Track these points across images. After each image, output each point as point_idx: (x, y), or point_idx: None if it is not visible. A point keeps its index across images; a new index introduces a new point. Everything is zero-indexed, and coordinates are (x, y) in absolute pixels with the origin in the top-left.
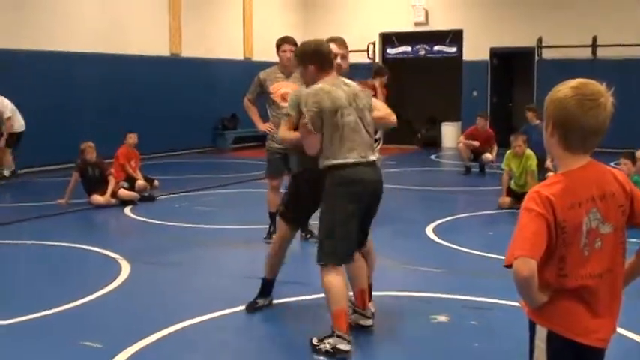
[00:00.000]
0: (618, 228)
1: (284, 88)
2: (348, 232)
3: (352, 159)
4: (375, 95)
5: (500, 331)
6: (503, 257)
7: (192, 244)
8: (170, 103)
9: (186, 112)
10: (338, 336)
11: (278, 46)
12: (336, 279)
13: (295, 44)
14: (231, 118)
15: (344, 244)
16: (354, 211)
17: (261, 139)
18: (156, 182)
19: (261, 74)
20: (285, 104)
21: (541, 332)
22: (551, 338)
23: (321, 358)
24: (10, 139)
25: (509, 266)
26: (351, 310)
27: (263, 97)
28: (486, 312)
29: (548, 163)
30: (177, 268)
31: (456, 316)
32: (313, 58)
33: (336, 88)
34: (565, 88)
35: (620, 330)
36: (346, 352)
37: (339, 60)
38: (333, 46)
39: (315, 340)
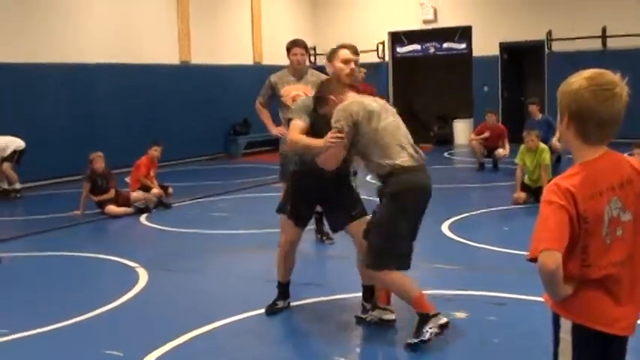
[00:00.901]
0: (637, 215)
1: (295, 91)
2: (407, 240)
3: (408, 162)
4: None
5: (519, 326)
6: (520, 252)
7: (208, 250)
8: (182, 110)
9: (198, 118)
10: (433, 316)
11: (288, 49)
12: (397, 275)
13: (306, 47)
14: (243, 123)
15: (403, 253)
16: (414, 218)
17: (273, 143)
18: (170, 189)
19: (272, 77)
20: None
21: (566, 325)
22: (577, 330)
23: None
24: (11, 155)
25: (533, 260)
26: (371, 307)
27: (275, 101)
28: (505, 307)
29: (555, 142)
30: (195, 275)
31: (474, 312)
32: (328, 89)
33: (364, 98)
34: (579, 79)
35: None
36: (448, 322)
37: (352, 65)
38: (346, 52)
39: (413, 340)
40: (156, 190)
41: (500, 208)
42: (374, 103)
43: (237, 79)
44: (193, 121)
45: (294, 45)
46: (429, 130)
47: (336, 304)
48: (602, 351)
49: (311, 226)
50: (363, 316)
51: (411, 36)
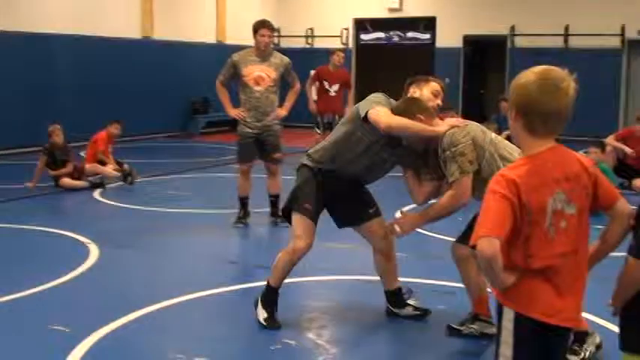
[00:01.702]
0: (583, 209)
1: (258, 72)
2: None
3: None
4: None
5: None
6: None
7: (162, 228)
8: (141, 86)
9: (158, 95)
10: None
11: (256, 29)
12: None
13: (273, 29)
14: (203, 102)
15: None
16: None
17: (232, 123)
18: (126, 166)
19: (235, 56)
20: (259, 88)
21: (508, 314)
22: (519, 320)
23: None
24: None
25: (474, 247)
26: (470, 319)
27: (236, 81)
28: (455, 296)
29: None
30: (148, 252)
31: (424, 300)
32: (418, 107)
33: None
34: (528, 74)
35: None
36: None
37: (439, 101)
38: (437, 86)
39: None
40: (111, 166)
41: None
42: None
43: (199, 57)
44: (153, 97)
45: (262, 26)
46: None
47: (290, 287)
48: (542, 341)
49: (265, 208)
50: (460, 327)
51: (375, 24)
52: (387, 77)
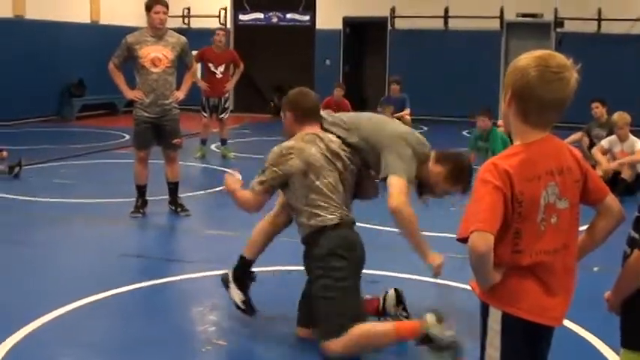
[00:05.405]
0: (574, 204)
1: (154, 53)
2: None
3: (335, 220)
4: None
5: None
6: (382, 228)
7: (54, 221)
8: (12, 67)
9: (30, 77)
10: None
11: (149, 7)
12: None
13: (167, 6)
14: (79, 85)
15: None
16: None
17: (109, 107)
18: (4, 153)
19: (129, 38)
20: (156, 69)
21: (495, 314)
22: (506, 319)
23: None
24: None
25: (463, 240)
26: None
27: (130, 64)
28: (380, 285)
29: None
30: (41, 249)
31: None
32: (292, 105)
33: (310, 145)
34: (529, 57)
35: None
36: None
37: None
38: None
39: None
40: None
41: None
42: (319, 153)
43: (74, 38)
44: (25, 79)
45: (155, 2)
46: (269, 100)
47: (205, 282)
48: (530, 341)
49: (164, 196)
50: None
51: (254, 3)
52: (267, 59)
